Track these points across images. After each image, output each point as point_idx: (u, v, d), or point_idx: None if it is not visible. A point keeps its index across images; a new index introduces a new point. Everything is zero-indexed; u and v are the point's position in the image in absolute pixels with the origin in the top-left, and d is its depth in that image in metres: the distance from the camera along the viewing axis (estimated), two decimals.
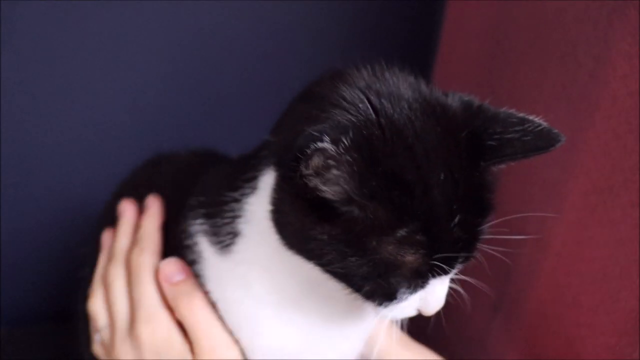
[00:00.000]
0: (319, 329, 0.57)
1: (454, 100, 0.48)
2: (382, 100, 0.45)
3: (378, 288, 0.46)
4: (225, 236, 0.55)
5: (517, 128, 0.46)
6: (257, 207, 0.53)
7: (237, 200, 0.54)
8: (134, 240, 0.63)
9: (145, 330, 0.57)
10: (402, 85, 0.47)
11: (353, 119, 0.43)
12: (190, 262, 0.58)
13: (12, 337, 0.96)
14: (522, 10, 0.71)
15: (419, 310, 0.48)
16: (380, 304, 0.47)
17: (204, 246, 0.57)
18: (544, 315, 0.67)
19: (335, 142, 0.40)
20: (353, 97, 0.45)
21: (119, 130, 0.97)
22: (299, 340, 0.56)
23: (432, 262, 0.43)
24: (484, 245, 0.46)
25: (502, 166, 0.48)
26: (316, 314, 0.56)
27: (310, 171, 0.42)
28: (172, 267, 0.59)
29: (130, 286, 0.61)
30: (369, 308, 0.49)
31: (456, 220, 0.43)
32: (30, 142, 0.94)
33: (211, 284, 0.57)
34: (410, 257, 0.44)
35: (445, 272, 0.45)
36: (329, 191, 0.43)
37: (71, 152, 0.96)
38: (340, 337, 0.58)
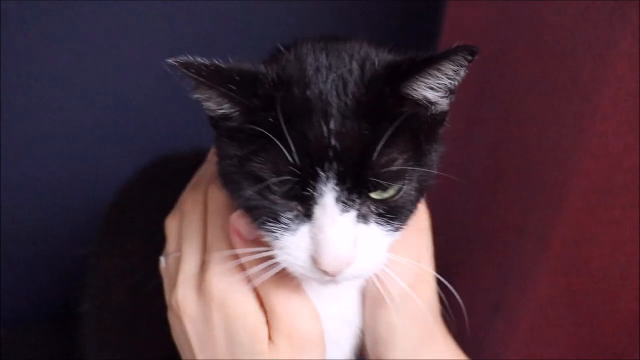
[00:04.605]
0: None
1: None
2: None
3: (259, 203, 0.44)
4: None
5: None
6: None
7: None
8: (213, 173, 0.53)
9: (218, 286, 0.49)
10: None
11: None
12: None
13: (12, 337, 0.96)
14: (522, 10, 0.71)
15: (313, 259, 0.44)
16: (269, 231, 0.44)
17: None
18: (544, 315, 0.67)
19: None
20: None
21: (121, 131, 0.97)
22: None
23: (295, 162, 0.42)
24: (392, 183, 0.44)
25: (425, 95, 0.45)
26: None
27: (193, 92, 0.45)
28: (245, 224, 0.48)
29: (204, 224, 0.52)
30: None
31: (331, 126, 0.42)
32: (30, 142, 0.93)
33: None
34: (270, 153, 0.43)
35: (312, 181, 0.42)
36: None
37: (72, 152, 0.96)
38: (331, 340, 0.57)
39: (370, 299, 0.55)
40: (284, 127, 0.42)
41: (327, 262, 0.43)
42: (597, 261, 0.61)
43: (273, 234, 0.45)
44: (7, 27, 0.85)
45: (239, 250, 0.49)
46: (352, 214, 0.44)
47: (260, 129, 0.43)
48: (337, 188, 0.43)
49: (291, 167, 0.42)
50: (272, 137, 0.42)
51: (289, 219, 0.44)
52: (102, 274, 0.69)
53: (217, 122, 0.47)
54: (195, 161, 0.65)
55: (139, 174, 0.73)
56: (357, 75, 0.45)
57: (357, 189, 0.43)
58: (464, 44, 0.43)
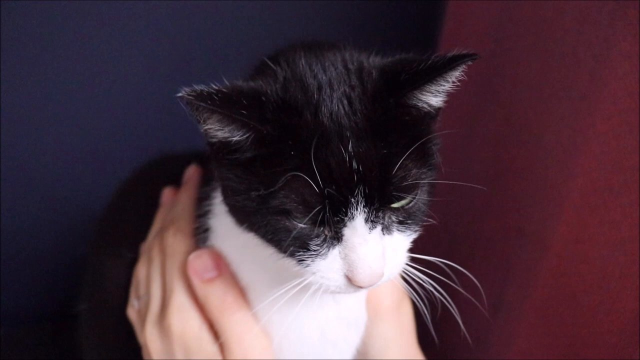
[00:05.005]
0: (302, 330, 0.56)
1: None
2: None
3: (285, 235, 0.45)
4: (201, 233, 0.56)
5: (425, 58, 0.46)
6: (221, 200, 0.53)
7: (208, 196, 0.56)
8: (171, 217, 0.58)
9: (176, 322, 0.53)
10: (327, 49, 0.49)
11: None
12: None
13: (12, 337, 0.96)
14: (522, 10, 0.71)
15: (348, 278, 0.45)
16: (300, 260, 0.45)
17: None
18: (544, 315, 0.67)
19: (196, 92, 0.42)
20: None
21: (119, 131, 0.97)
22: (281, 341, 0.56)
23: (322, 191, 0.42)
24: (405, 195, 0.45)
25: (427, 102, 0.47)
26: (295, 313, 0.55)
27: (202, 124, 0.44)
28: (204, 261, 0.53)
29: (163, 268, 0.56)
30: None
31: (350, 149, 0.42)
32: (30, 142, 0.93)
33: None
34: (295, 185, 0.43)
35: (343, 208, 0.43)
36: (211, 127, 0.44)
37: (71, 152, 0.96)
38: (327, 341, 0.58)
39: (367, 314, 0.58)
40: (313, 161, 0.42)
41: (363, 279, 0.45)
42: (597, 261, 0.61)
43: (304, 262, 0.46)
44: (7, 27, 0.85)
45: (279, 290, 0.49)
46: (378, 228, 0.45)
47: (284, 168, 0.43)
48: (365, 209, 0.44)
49: (321, 198, 0.43)
50: (301, 174, 0.42)
51: (317, 244, 0.45)
52: (99, 274, 0.69)
53: (224, 154, 0.46)
54: (192, 161, 0.65)
55: (136, 174, 0.73)
56: (360, 90, 0.45)
57: (381, 205, 0.44)
58: (467, 52, 0.44)
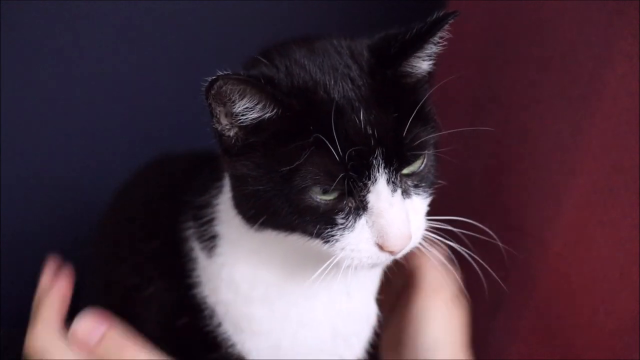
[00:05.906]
0: (314, 326, 0.57)
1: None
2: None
3: (309, 215, 0.46)
4: (208, 240, 0.56)
5: (409, 28, 0.49)
6: (226, 206, 0.54)
7: (209, 204, 0.56)
8: None
9: None
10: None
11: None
12: (190, 270, 0.58)
13: (12, 337, 0.95)
14: (522, 10, 0.71)
15: (379, 245, 0.46)
16: (328, 236, 0.47)
17: (198, 252, 0.57)
18: (544, 315, 0.67)
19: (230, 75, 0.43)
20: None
21: (120, 131, 0.97)
22: (294, 338, 0.56)
23: (343, 159, 0.44)
24: (415, 152, 0.47)
25: (419, 68, 0.49)
26: (308, 309, 0.56)
27: (213, 100, 0.45)
28: (87, 325, 0.55)
29: None
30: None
31: (362, 117, 0.45)
32: (30, 143, 0.93)
33: (206, 289, 0.57)
34: (316, 159, 0.44)
35: (366, 171, 0.45)
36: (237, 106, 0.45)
37: (72, 152, 0.96)
38: (339, 337, 0.58)
39: None
40: (333, 129, 0.44)
41: (394, 243, 0.46)
42: (597, 261, 0.61)
43: (333, 237, 0.47)
44: (7, 27, 0.85)
45: (309, 278, 0.50)
46: (399, 192, 0.47)
47: (305, 142, 0.44)
48: (386, 170, 0.46)
49: (344, 165, 0.44)
50: (324, 139, 0.44)
51: (343, 218, 0.46)
52: (99, 278, 0.69)
53: (245, 139, 0.47)
54: (191, 161, 0.65)
55: (136, 174, 0.73)
56: (356, 68, 0.48)
57: (400, 165, 0.47)
58: (447, 12, 0.48)
